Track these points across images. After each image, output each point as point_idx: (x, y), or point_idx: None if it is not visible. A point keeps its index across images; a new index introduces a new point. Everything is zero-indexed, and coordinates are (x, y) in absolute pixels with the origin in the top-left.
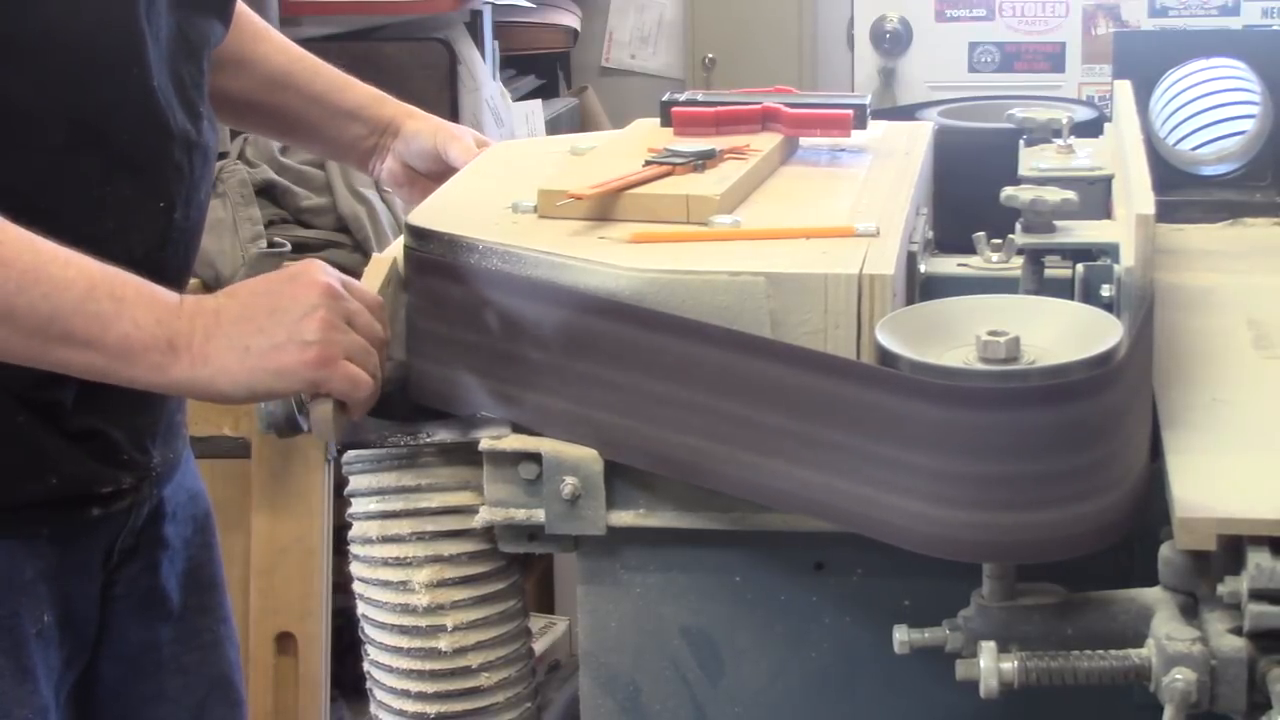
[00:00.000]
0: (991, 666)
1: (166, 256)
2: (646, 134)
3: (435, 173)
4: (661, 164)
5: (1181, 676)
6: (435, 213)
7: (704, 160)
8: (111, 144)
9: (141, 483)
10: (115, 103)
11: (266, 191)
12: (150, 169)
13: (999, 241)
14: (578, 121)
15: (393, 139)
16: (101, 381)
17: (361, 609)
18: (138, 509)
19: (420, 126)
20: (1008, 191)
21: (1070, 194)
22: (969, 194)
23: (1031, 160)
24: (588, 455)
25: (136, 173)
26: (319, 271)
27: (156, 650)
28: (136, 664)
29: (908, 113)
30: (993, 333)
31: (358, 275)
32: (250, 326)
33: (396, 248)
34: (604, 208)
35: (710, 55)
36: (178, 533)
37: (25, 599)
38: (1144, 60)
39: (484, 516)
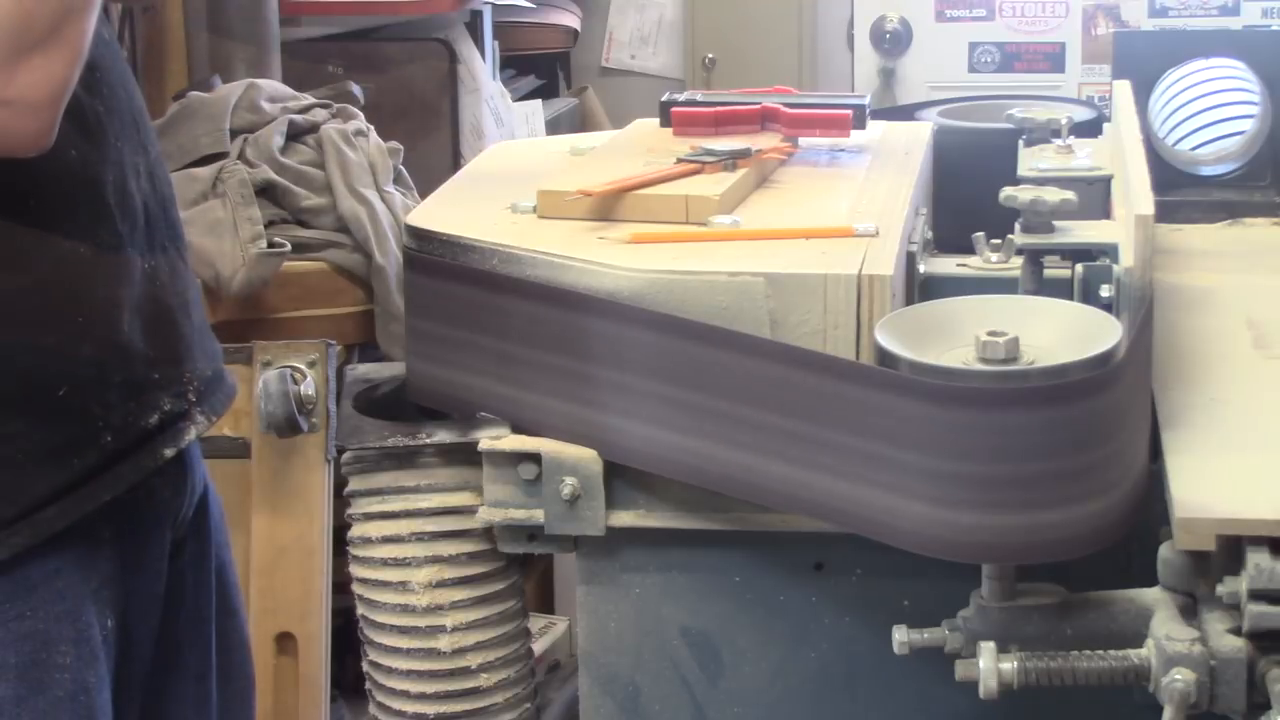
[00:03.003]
0: (991, 667)
1: None
2: (646, 134)
3: None
4: (692, 162)
5: (1181, 677)
6: (435, 213)
7: (737, 160)
8: None
9: (179, 400)
10: None
11: (266, 191)
12: None
13: (998, 241)
14: (578, 121)
15: None
16: None
17: (361, 609)
18: (191, 494)
19: None
20: (1007, 191)
21: (1069, 194)
22: (968, 194)
23: (1031, 160)
24: (587, 455)
25: None
26: None
27: (206, 652)
28: (189, 664)
29: (908, 113)
30: (992, 333)
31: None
32: None
33: None
34: (604, 208)
35: (710, 55)
36: (214, 529)
37: (94, 605)
38: (1144, 60)
39: (483, 517)
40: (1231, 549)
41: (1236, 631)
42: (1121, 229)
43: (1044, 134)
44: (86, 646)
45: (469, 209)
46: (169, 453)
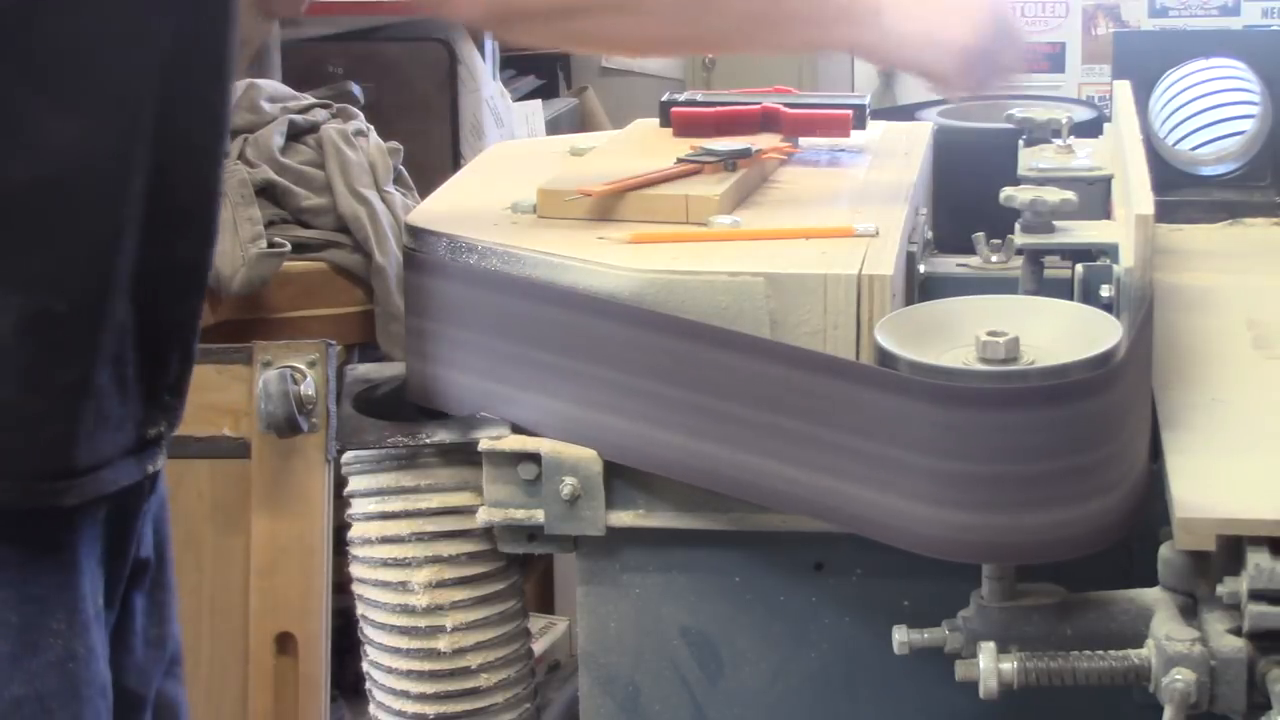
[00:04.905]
0: (991, 667)
1: None
2: (646, 134)
3: None
4: (692, 162)
5: (1181, 677)
6: (435, 213)
7: (737, 160)
8: None
9: (163, 426)
10: None
11: (266, 191)
12: None
13: (998, 241)
14: (578, 121)
15: None
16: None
17: (361, 610)
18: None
19: None
20: (1007, 191)
21: (1070, 194)
22: (969, 194)
23: (1031, 160)
24: (587, 455)
25: None
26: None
27: (130, 621)
28: (132, 636)
29: (908, 113)
30: (992, 333)
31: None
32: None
33: None
34: (604, 208)
35: (710, 55)
36: (158, 508)
37: (89, 580)
38: (1144, 60)
39: (483, 517)
40: (1231, 549)
41: (1237, 632)
42: (1121, 229)
43: (1044, 134)
44: (78, 617)
45: (469, 209)
46: (151, 468)
